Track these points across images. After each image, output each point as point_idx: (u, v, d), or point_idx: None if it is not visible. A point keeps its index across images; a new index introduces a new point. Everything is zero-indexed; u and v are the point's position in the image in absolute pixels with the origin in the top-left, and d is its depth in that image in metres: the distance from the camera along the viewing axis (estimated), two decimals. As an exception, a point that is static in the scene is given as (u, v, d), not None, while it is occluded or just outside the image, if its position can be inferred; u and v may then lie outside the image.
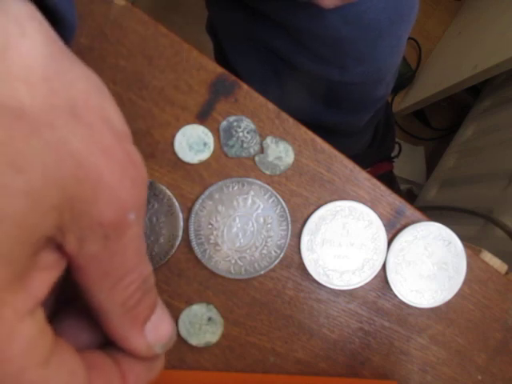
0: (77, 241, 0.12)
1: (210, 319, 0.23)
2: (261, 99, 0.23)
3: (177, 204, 0.22)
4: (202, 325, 0.23)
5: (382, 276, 0.24)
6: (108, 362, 0.15)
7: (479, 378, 0.27)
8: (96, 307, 0.14)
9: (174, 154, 0.22)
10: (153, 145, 0.22)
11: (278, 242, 0.23)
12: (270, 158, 0.23)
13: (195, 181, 0.23)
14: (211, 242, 0.23)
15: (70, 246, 0.12)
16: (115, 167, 0.13)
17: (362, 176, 0.24)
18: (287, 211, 0.23)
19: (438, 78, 0.91)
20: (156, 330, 0.16)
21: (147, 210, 0.22)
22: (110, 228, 0.13)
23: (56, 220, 0.11)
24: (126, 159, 0.13)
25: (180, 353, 0.24)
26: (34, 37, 0.11)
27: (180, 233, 0.22)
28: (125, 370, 0.15)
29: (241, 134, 0.22)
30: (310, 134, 0.23)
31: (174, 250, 0.23)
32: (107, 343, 0.16)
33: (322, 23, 0.36)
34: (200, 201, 0.22)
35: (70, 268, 0.13)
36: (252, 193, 0.23)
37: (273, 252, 0.23)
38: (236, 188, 0.23)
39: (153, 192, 0.22)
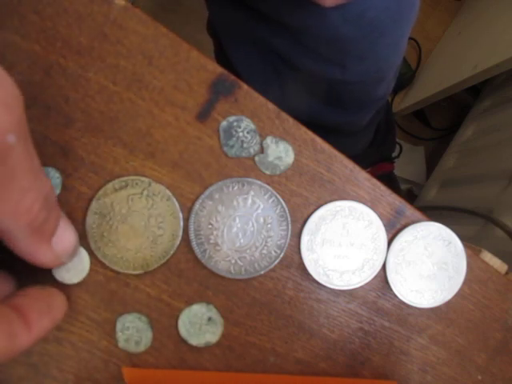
0: None
1: (209, 319, 0.23)
2: (261, 99, 0.23)
3: (177, 204, 0.22)
4: (202, 325, 0.23)
5: (382, 276, 0.25)
6: (6, 311, 0.15)
7: (479, 378, 0.27)
8: (4, 233, 0.14)
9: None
10: (153, 145, 0.22)
11: (278, 242, 0.23)
12: (270, 158, 0.23)
13: (195, 181, 0.23)
14: (211, 241, 0.23)
15: None
16: None
17: (362, 176, 0.24)
18: (287, 211, 0.23)
19: (438, 78, 0.91)
20: (62, 242, 0.17)
21: (146, 212, 0.22)
22: None
23: None
24: None
25: (180, 353, 0.24)
26: None
27: (180, 233, 0.22)
28: (25, 312, 0.16)
29: (241, 134, 0.22)
30: (310, 134, 0.23)
31: (173, 250, 0.23)
32: None
33: (323, 22, 0.36)
34: (200, 201, 0.22)
35: None
36: (252, 193, 0.23)
37: (273, 252, 0.23)
38: (236, 188, 0.23)
39: (152, 192, 0.22)
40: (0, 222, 0.14)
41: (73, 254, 0.18)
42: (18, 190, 0.14)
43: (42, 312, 0.17)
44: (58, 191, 0.21)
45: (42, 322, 0.17)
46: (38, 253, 0.16)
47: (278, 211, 0.23)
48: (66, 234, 0.17)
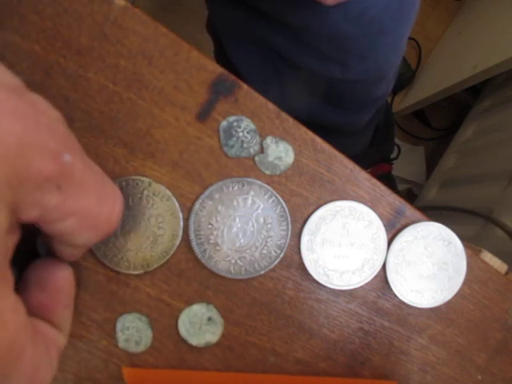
0: (35, 204, 0.13)
1: (210, 319, 0.23)
2: (261, 99, 0.23)
3: (177, 204, 0.22)
4: (202, 325, 0.23)
5: (382, 276, 0.25)
6: (39, 326, 0.16)
7: (479, 378, 0.27)
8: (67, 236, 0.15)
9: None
10: (153, 145, 0.22)
11: (278, 242, 0.23)
12: (270, 158, 0.23)
13: (195, 181, 0.23)
14: (211, 241, 0.23)
15: (31, 212, 0.13)
16: (28, 123, 0.13)
17: (362, 176, 0.24)
18: (287, 211, 0.23)
19: (438, 77, 0.91)
20: None
21: (147, 212, 0.22)
22: (56, 178, 0.13)
23: (9, 195, 0.12)
24: (33, 110, 0.13)
25: (180, 353, 0.24)
26: None
27: (180, 233, 0.22)
28: (50, 316, 0.17)
29: (241, 134, 0.22)
30: (310, 134, 0.23)
31: (173, 250, 0.23)
32: None
33: (324, 20, 0.36)
34: (200, 201, 0.22)
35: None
36: (252, 193, 0.23)
37: (273, 252, 0.23)
38: (236, 188, 0.23)
39: (152, 192, 0.22)
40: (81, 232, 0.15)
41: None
42: (92, 200, 0.15)
43: (65, 305, 0.18)
44: None
45: (65, 314, 0.18)
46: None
47: (277, 211, 0.23)
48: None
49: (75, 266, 0.22)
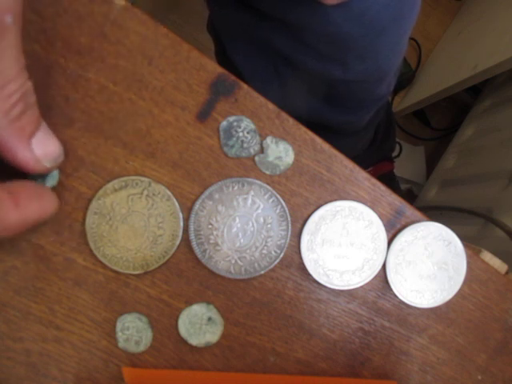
0: None
1: (209, 319, 0.23)
2: (261, 99, 0.23)
3: (177, 204, 0.22)
4: (202, 325, 0.23)
5: (382, 276, 0.25)
6: None
7: (479, 378, 0.27)
8: None
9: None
10: (153, 145, 0.22)
11: (278, 242, 0.23)
12: (270, 158, 0.23)
13: (195, 181, 0.23)
14: (211, 241, 0.23)
15: None
16: None
17: (362, 176, 0.24)
18: (287, 211, 0.23)
19: (438, 78, 0.91)
20: (43, 146, 0.17)
21: (146, 212, 0.22)
22: None
23: None
24: None
25: (180, 353, 0.24)
26: None
27: (180, 233, 0.22)
28: (13, 191, 0.17)
29: (241, 134, 0.22)
30: (310, 134, 0.23)
31: (173, 250, 0.23)
32: None
33: (324, 20, 0.36)
34: (200, 201, 0.22)
35: None
36: (252, 193, 0.23)
37: (273, 252, 0.23)
38: (236, 188, 0.23)
39: (152, 192, 0.22)
40: None
41: (55, 161, 0.18)
42: (2, 76, 0.14)
43: (32, 196, 0.17)
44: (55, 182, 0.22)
45: (31, 205, 0.17)
46: (16, 149, 0.16)
47: (278, 211, 0.23)
48: (47, 141, 0.18)
49: (75, 266, 0.22)
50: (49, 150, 0.18)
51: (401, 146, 0.99)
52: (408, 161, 1.00)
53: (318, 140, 0.23)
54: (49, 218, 0.19)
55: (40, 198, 0.18)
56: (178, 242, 0.23)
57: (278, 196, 0.23)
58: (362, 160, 0.80)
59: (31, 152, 0.17)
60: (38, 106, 0.17)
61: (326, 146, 0.23)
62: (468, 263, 0.25)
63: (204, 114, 0.22)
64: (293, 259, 0.24)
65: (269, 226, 0.23)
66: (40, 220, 0.18)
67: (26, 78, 0.16)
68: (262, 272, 0.23)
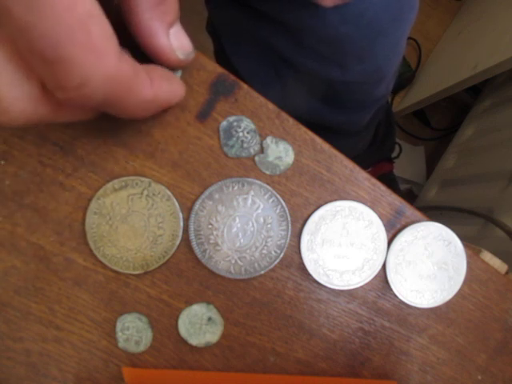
0: None
1: (209, 319, 0.23)
2: (261, 99, 0.23)
3: (177, 204, 0.22)
4: (202, 325, 0.23)
5: (382, 276, 0.25)
6: (135, 64, 0.16)
7: (479, 378, 0.27)
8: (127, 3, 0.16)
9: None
10: (153, 145, 0.22)
11: (278, 242, 0.23)
12: (270, 158, 0.23)
13: (195, 181, 0.23)
14: (211, 241, 0.23)
15: None
16: None
17: (362, 176, 0.24)
18: (287, 211, 0.23)
19: (438, 78, 0.91)
20: (178, 39, 0.18)
21: (146, 212, 0.22)
22: None
23: None
24: None
25: (180, 353, 0.24)
26: None
27: (180, 233, 0.22)
28: (149, 71, 0.17)
29: (241, 134, 0.22)
30: (310, 134, 0.23)
31: (173, 250, 0.23)
32: None
33: (322, 22, 0.36)
34: (200, 201, 0.22)
35: None
36: (252, 193, 0.23)
37: (273, 252, 0.23)
38: (236, 188, 0.23)
39: (152, 192, 0.22)
40: None
41: (188, 55, 0.19)
42: None
43: (164, 78, 0.18)
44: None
45: (164, 85, 0.18)
46: (156, 34, 0.17)
47: (278, 211, 0.23)
48: (181, 35, 0.18)
49: (75, 266, 0.22)
50: (183, 43, 0.18)
51: (401, 146, 0.99)
52: (408, 161, 1.00)
53: (318, 140, 0.23)
54: (176, 103, 0.20)
55: (170, 81, 0.19)
56: (177, 242, 0.23)
57: (278, 196, 0.23)
58: (362, 160, 0.80)
59: (168, 39, 0.17)
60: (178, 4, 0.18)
61: (326, 146, 0.23)
62: (468, 263, 0.25)
63: (204, 114, 0.22)
64: (293, 259, 0.24)
65: (269, 225, 0.23)
66: (169, 102, 0.19)
67: None
68: (262, 272, 0.23)
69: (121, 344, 0.23)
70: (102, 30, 0.14)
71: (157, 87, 0.17)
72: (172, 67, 0.19)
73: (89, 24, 0.13)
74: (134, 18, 0.17)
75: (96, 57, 0.14)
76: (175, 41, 0.18)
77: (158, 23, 0.17)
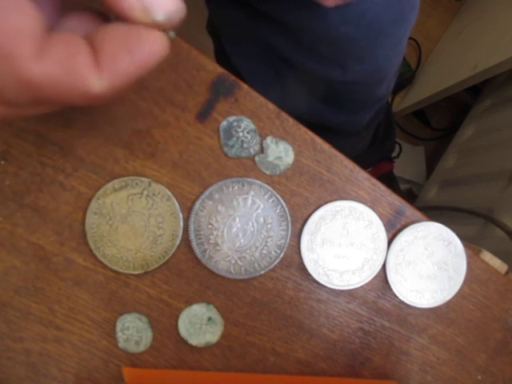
0: None
1: (209, 319, 0.23)
2: (261, 99, 0.23)
3: (177, 204, 0.22)
4: (202, 325, 0.23)
5: (382, 276, 0.24)
6: (73, 39, 0.13)
7: (479, 378, 0.27)
8: None
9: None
10: (153, 145, 0.22)
11: (278, 242, 0.23)
12: (270, 158, 0.23)
13: (195, 181, 0.23)
14: (211, 241, 0.23)
15: None
16: None
17: (362, 176, 0.24)
18: (287, 211, 0.23)
19: (438, 78, 0.91)
20: None
21: (146, 212, 0.22)
22: None
23: None
24: None
25: (180, 353, 0.24)
26: None
27: (180, 233, 0.22)
28: (97, 46, 0.13)
29: (241, 134, 0.22)
30: (310, 134, 0.23)
31: (174, 250, 0.23)
32: None
33: (323, 22, 0.36)
34: (200, 201, 0.22)
35: None
36: (252, 193, 0.23)
37: (273, 252, 0.23)
38: (236, 188, 0.23)
39: (152, 192, 0.22)
40: None
41: (172, 16, 0.14)
42: None
43: (120, 48, 0.13)
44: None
45: (119, 62, 0.13)
46: None
47: (278, 211, 0.23)
48: None
49: (75, 266, 0.22)
50: (166, 1, 0.13)
51: (401, 146, 0.99)
52: (408, 161, 1.00)
53: (318, 140, 0.23)
54: (156, 63, 0.14)
55: (132, 49, 0.13)
56: (177, 242, 0.23)
57: (278, 196, 0.23)
58: (362, 160, 0.80)
59: None
60: None
61: (326, 146, 0.23)
62: (468, 263, 0.25)
63: (204, 114, 0.22)
64: (293, 259, 0.24)
65: (269, 225, 0.23)
66: (137, 74, 0.14)
67: None
68: (262, 272, 0.23)
69: (121, 344, 0.23)
70: (8, 24, 0.11)
71: (108, 70, 0.13)
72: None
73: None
74: None
75: (3, 60, 0.11)
76: None
77: None
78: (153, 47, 0.14)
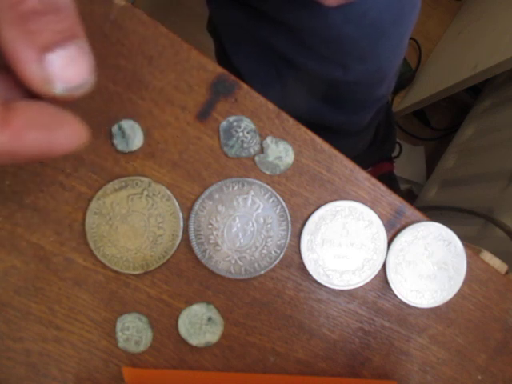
0: None
1: (209, 319, 0.23)
2: (261, 99, 0.23)
3: (177, 204, 0.22)
4: (202, 325, 0.23)
5: (382, 276, 0.24)
6: None
7: (479, 378, 0.27)
8: None
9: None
10: (153, 145, 0.22)
11: (278, 242, 0.23)
12: (270, 158, 0.23)
13: (195, 181, 0.23)
14: (211, 241, 0.23)
15: None
16: None
17: (362, 176, 0.24)
18: (287, 211, 0.23)
19: (438, 77, 0.91)
20: (64, 67, 0.13)
21: (146, 212, 0.22)
22: None
23: None
24: None
25: (180, 353, 0.24)
26: None
27: (180, 233, 0.22)
28: (12, 107, 0.12)
29: (241, 134, 0.22)
30: (310, 134, 0.23)
31: (174, 250, 0.23)
32: None
33: (324, 22, 0.36)
34: (200, 201, 0.22)
35: None
36: (252, 193, 0.23)
37: (273, 252, 0.23)
38: (236, 188, 0.23)
39: (152, 192, 0.22)
40: None
41: (70, 90, 0.13)
42: None
43: (37, 121, 0.13)
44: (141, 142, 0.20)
45: (29, 132, 0.13)
46: (18, 58, 0.12)
47: (278, 211, 0.23)
48: (72, 61, 0.13)
49: (75, 266, 0.22)
50: (70, 74, 0.13)
51: (401, 146, 0.99)
52: (408, 161, 1.00)
53: (318, 140, 0.23)
54: (63, 153, 0.14)
55: (49, 128, 0.13)
56: (177, 242, 0.23)
57: (278, 196, 0.23)
58: (362, 160, 0.80)
59: (40, 67, 0.13)
60: (76, 20, 0.13)
61: (326, 146, 0.23)
62: (468, 263, 0.25)
63: (204, 114, 0.22)
64: (293, 259, 0.24)
65: (269, 226, 0.23)
66: (44, 154, 0.13)
67: None
68: (262, 272, 0.23)
69: (121, 344, 0.23)
70: None
71: (18, 133, 0.12)
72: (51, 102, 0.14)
73: None
74: None
75: None
76: (56, 68, 0.13)
77: (22, 45, 0.12)
78: (68, 136, 0.14)
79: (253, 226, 0.23)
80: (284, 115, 0.23)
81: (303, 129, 0.23)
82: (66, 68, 0.13)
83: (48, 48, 0.13)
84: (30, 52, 0.12)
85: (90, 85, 0.14)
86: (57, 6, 0.13)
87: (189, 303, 0.23)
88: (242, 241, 0.23)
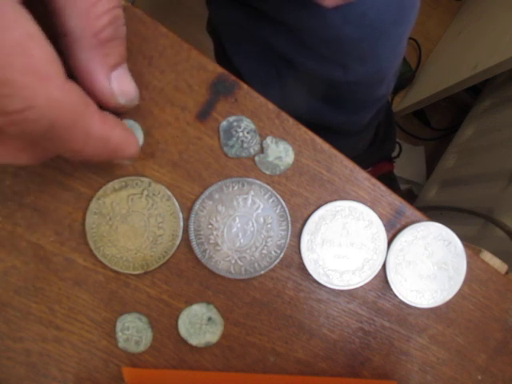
0: None
1: (209, 319, 0.23)
2: (261, 99, 0.23)
3: (177, 204, 0.22)
4: (202, 325, 0.23)
5: (382, 276, 0.25)
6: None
7: (479, 378, 0.27)
8: (69, 35, 0.15)
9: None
10: (153, 145, 0.22)
11: (278, 242, 0.23)
12: (270, 158, 0.23)
13: (195, 181, 0.23)
14: (211, 241, 0.23)
15: None
16: None
17: (362, 176, 0.24)
18: (287, 211, 0.23)
19: (438, 77, 0.91)
20: (121, 83, 0.17)
21: (146, 212, 0.22)
22: None
23: None
24: None
25: (180, 353, 0.24)
26: None
27: (180, 233, 0.22)
28: (103, 111, 0.16)
29: (241, 134, 0.22)
30: (310, 134, 0.23)
31: (173, 250, 0.23)
32: None
33: (324, 22, 0.36)
34: (200, 201, 0.22)
35: None
36: (252, 193, 0.23)
37: (273, 252, 0.23)
38: (236, 188, 0.23)
39: (152, 192, 0.22)
40: (68, 20, 0.14)
41: (131, 101, 0.18)
42: None
43: (118, 122, 0.17)
44: (141, 142, 0.22)
45: (116, 127, 0.17)
46: (96, 76, 0.16)
47: (278, 211, 0.23)
48: (125, 79, 0.17)
49: (75, 266, 0.22)
50: (126, 89, 0.17)
51: (401, 146, 0.99)
52: (408, 161, 1.00)
53: (318, 140, 0.23)
54: (128, 156, 0.18)
55: (125, 129, 0.18)
56: (177, 242, 0.23)
57: (278, 196, 0.23)
58: (362, 160, 0.80)
59: (108, 81, 0.16)
60: (125, 42, 0.17)
61: (326, 146, 0.23)
62: (468, 263, 0.25)
63: (204, 114, 0.22)
64: (293, 259, 0.24)
65: (269, 226, 0.23)
66: (122, 150, 0.17)
67: (117, 2, 0.15)
68: (262, 272, 0.23)
69: (121, 344, 0.23)
70: (43, 52, 0.13)
71: (109, 127, 0.16)
72: (113, 112, 0.18)
73: (29, 46, 0.13)
74: (72, 57, 0.16)
75: (38, 79, 0.13)
76: (117, 85, 0.17)
77: (97, 65, 0.16)
78: (134, 140, 0.19)
79: (253, 225, 0.23)
80: (284, 115, 0.23)
81: (303, 129, 0.23)
82: (124, 83, 0.17)
83: (114, 67, 0.17)
84: (103, 70, 0.16)
85: (138, 99, 0.19)
86: (122, 34, 0.17)
87: (189, 303, 0.23)
88: (241, 241, 0.23)
